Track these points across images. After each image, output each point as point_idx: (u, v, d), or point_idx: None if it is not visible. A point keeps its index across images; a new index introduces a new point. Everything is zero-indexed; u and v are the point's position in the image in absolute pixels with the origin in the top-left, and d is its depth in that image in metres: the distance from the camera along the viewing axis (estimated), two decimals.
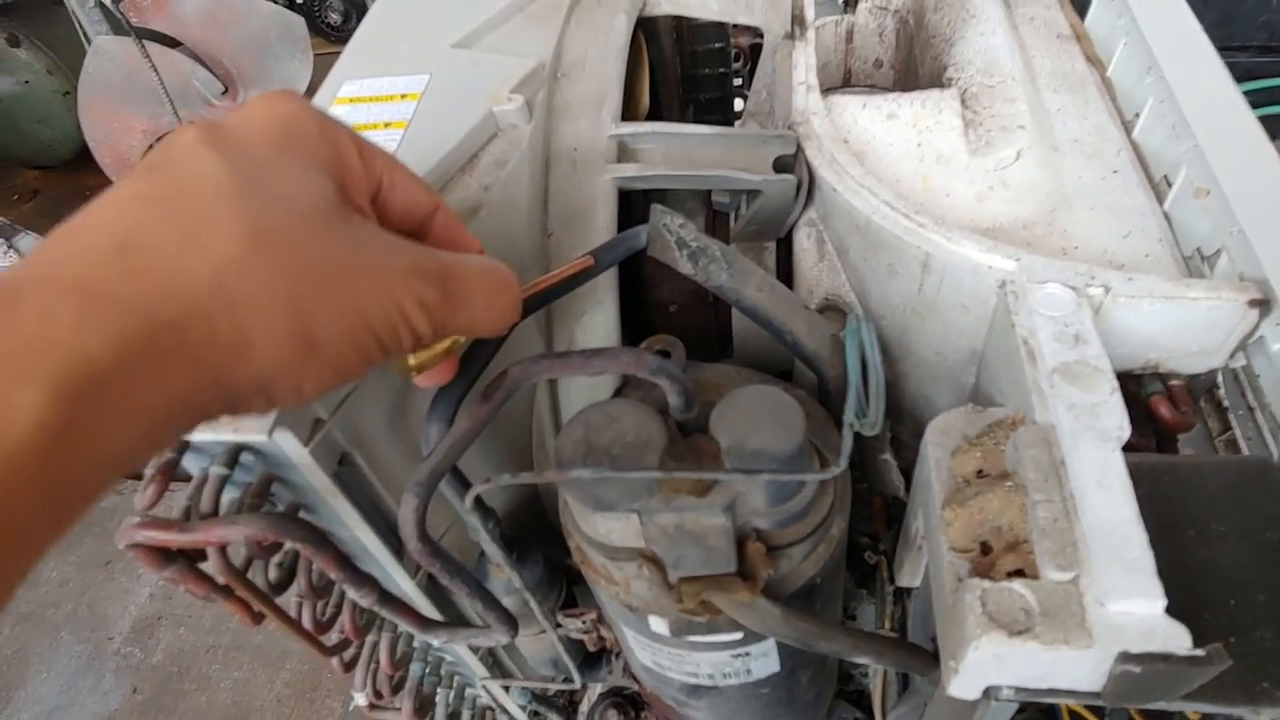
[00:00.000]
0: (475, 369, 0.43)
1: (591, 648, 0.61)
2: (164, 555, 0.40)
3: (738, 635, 0.45)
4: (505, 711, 0.69)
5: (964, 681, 0.38)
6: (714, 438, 0.40)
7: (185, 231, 0.27)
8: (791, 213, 0.61)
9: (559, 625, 0.60)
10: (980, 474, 0.43)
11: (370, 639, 0.58)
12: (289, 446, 0.39)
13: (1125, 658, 0.34)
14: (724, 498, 0.40)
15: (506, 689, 0.65)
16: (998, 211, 0.58)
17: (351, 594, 0.44)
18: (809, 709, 0.64)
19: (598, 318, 0.56)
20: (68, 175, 3.58)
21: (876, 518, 0.63)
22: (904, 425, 0.64)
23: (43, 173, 3.58)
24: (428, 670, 0.63)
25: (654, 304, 0.72)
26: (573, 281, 0.47)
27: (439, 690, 0.67)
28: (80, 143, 3.22)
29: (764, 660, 0.49)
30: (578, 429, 0.41)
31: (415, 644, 0.62)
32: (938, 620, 0.42)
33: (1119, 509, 0.37)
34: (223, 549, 0.40)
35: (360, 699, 0.57)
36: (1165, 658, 0.34)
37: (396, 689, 0.61)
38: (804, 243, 0.61)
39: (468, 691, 0.72)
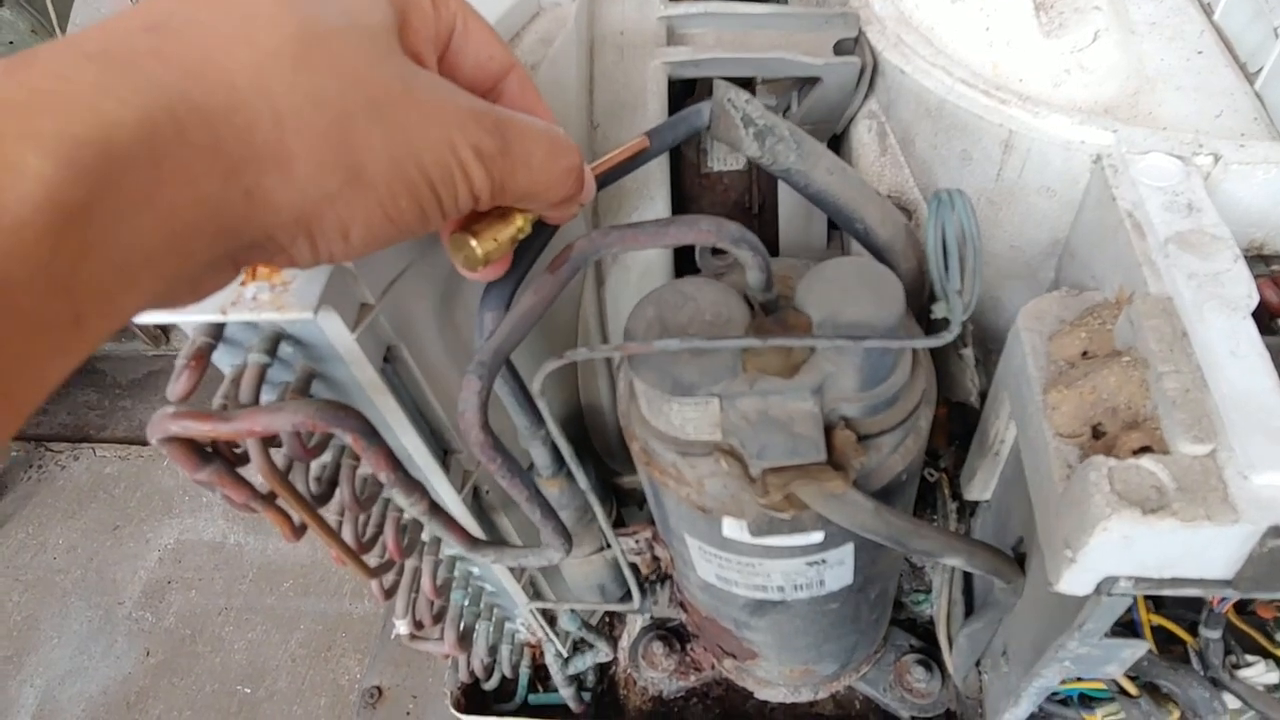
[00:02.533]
0: (528, 260, 0.39)
1: (645, 570, 0.58)
2: (201, 454, 0.36)
3: (818, 538, 0.42)
4: (550, 641, 0.66)
5: (1079, 573, 0.35)
6: (803, 311, 0.37)
7: (229, 19, 0.24)
8: (850, 104, 0.57)
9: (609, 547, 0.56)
10: (1085, 356, 0.40)
11: (410, 564, 0.54)
12: (333, 331, 0.36)
13: (1276, 532, 0.31)
14: (813, 379, 0.36)
15: (552, 618, 0.62)
16: (1075, 96, 0.54)
17: (401, 500, 0.41)
18: (869, 631, 0.61)
19: (648, 215, 0.52)
20: None
21: (938, 430, 0.60)
22: (969, 330, 0.60)
23: None
24: (468, 601, 0.60)
25: None
26: (629, 165, 0.43)
27: (479, 623, 0.64)
28: None
29: (839, 570, 0.46)
30: (649, 308, 0.38)
31: (455, 573, 0.59)
32: (1042, 514, 0.39)
33: (1257, 377, 0.34)
34: (266, 449, 0.37)
35: (402, 627, 0.54)
36: None
37: (437, 618, 0.58)
38: (864, 136, 0.57)
39: (507, 626, 0.69)
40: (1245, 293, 0.36)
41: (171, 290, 0.25)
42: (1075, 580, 0.36)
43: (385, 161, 0.27)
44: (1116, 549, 0.33)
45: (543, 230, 0.39)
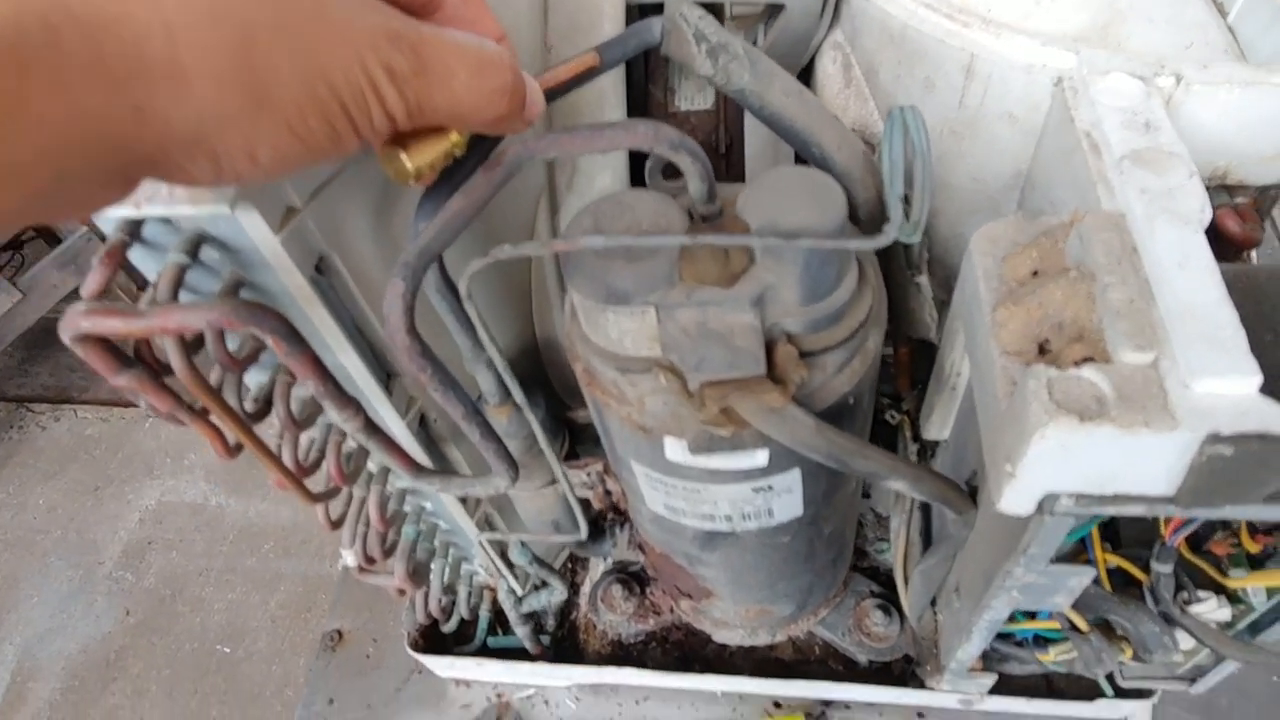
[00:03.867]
0: (465, 172, 0.38)
1: (597, 504, 0.57)
2: (120, 357, 0.35)
3: (762, 461, 0.41)
4: (503, 576, 0.65)
5: (1019, 489, 0.34)
6: (742, 219, 0.35)
7: None
8: (815, 34, 0.55)
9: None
10: (1036, 275, 0.39)
11: (359, 494, 0.54)
12: (255, 231, 0.34)
13: (1215, 439, 0.30)
14: (752, 289, 0.35)
15: (503, 549, 0.62)
16: (1043, 28, 0.52)
17: (334, 415, 0.40)
18: (825, 573, 0.61)
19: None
20: None
21: (900, 372, 0.59)
22: (933, 275, 0.59)
23: None
24: (421, 536, 0.59)
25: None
26: (575, 81, 0.41)
27: (435, 561, 0.63)
28: None
29: (787, 499, 0.45)
30: (586, 218, 0.37)
31: (407, 507, 0.58)
32: (988, 435, 0.38)
33: (1205, 290, 0.33)
34: (188, 354, 0.36)
35: (349, 558, 0.54)
36: (1261, 438, 0.30)
37: (389, 553, 0.57)
38: (828, 68, 0.55)
39: (464, 567, 0.68)
40: (1198, 207, 0.35)
41: (48, 205, 0.24)
42: (1017, 498, 0.35)
43: (292, 82, 0.26)
44: (1055, 460, 0.32)
45: (484, 143, 0.37)
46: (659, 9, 0.58)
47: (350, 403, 0.40)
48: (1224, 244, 0.45)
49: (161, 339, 0.35)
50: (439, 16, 0.34)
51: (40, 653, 1.91)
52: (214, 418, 0.40)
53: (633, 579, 0.69)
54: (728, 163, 0.66)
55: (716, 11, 0.61)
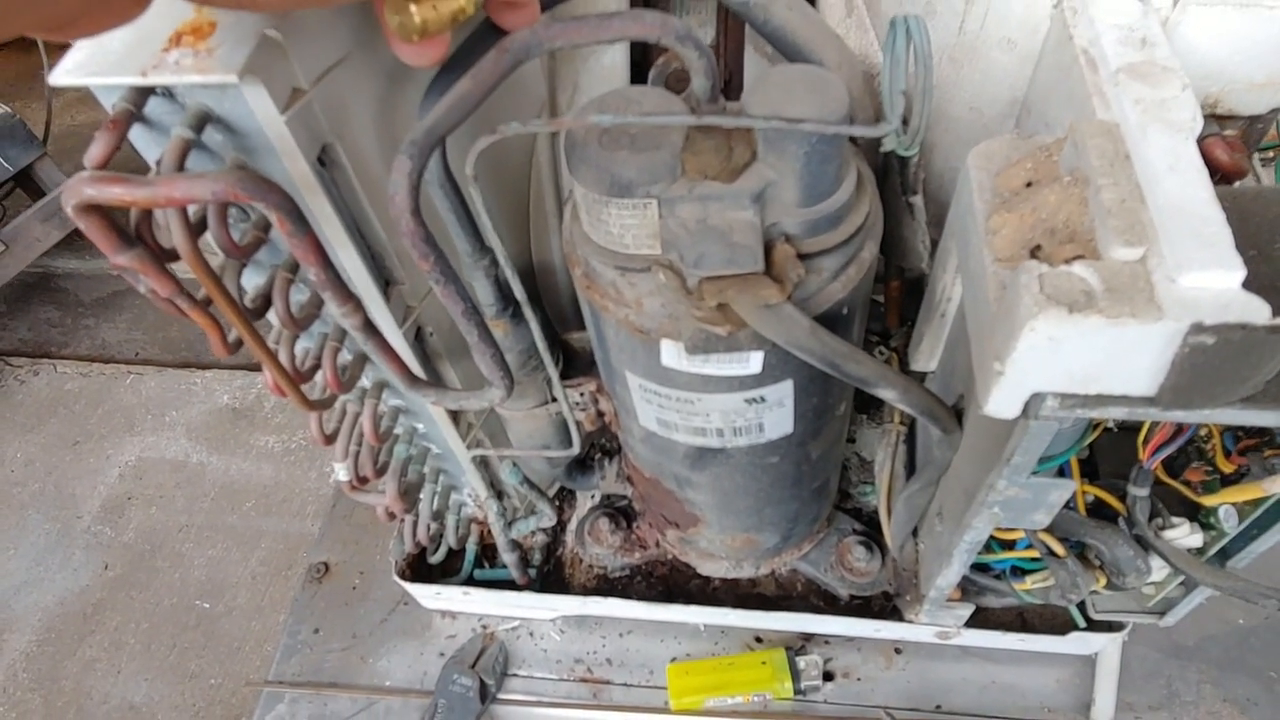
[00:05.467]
0: (476, 57, 0.38)
1: (589, 426, 0.57)
2: (122, 235, 0.35)
3: (755, 367, 0.42)
4: (492, 498, 0.65)
5: (1007, 389, 0.35)
6: (747, 114, 0.36)
7: None
8: None
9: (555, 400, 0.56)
10: (1030, 185, 0.39)
11: (352, 409, 0.54)
12: (261, 108, 0.34)
13: (1198, 329, 0.31)
14: (754, 184, 0.36)
15: (493, 473, 0.62)
16: None
17: (333, 308, 0.40)
18: (810, 503, 0.62)
19: (604, 60, 0.50)
20: (17, 55, 3.38)
21: (890, 308, 0.60)
22: (927, 213, 0.60)
23: None
24: (412, 459, 0.60)
25: None
26: None
27: (425, 486, 0.63)
28: None
29: (779, 413, 0.46)
30: (590, 110, 0.37)
31: (399, 428, 0.59)
32: (977, 342, 0.39)
33: (1194, 189, 0.34)
34: (191, 231, 0.36)
35: (341, 472, 0.54)
36: (1242, 327, 0.31)
37: (381, 472, 0.57)
38: None
39: (454, 496, 0.69)
40: (1189, 117, 0.36)
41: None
42: (1003, 399, 0.36)
43: None
44: (1043, 355, 0.33)
45: (492, 34, 0.37)
46: None
47: (350, 298, 0.40)
48: (1212, 173, 0.46)
49: (166, 215, 0.35)
50: None
51: (16, 604, 1.90)
52: (214, 309, 0.41)
53: (620, 513, 0.70)
54: (726, 96, 0.66)
55: None
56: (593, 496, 0.74)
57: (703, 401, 0.45)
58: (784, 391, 0.44)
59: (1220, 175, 0.46)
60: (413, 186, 0.34)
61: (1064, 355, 0.33)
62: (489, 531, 0.73)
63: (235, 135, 0.36)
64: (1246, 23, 0.41)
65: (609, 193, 0.36)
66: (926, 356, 0.55)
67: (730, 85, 0.65)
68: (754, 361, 0.41)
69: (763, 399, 0.44)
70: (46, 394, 2.23)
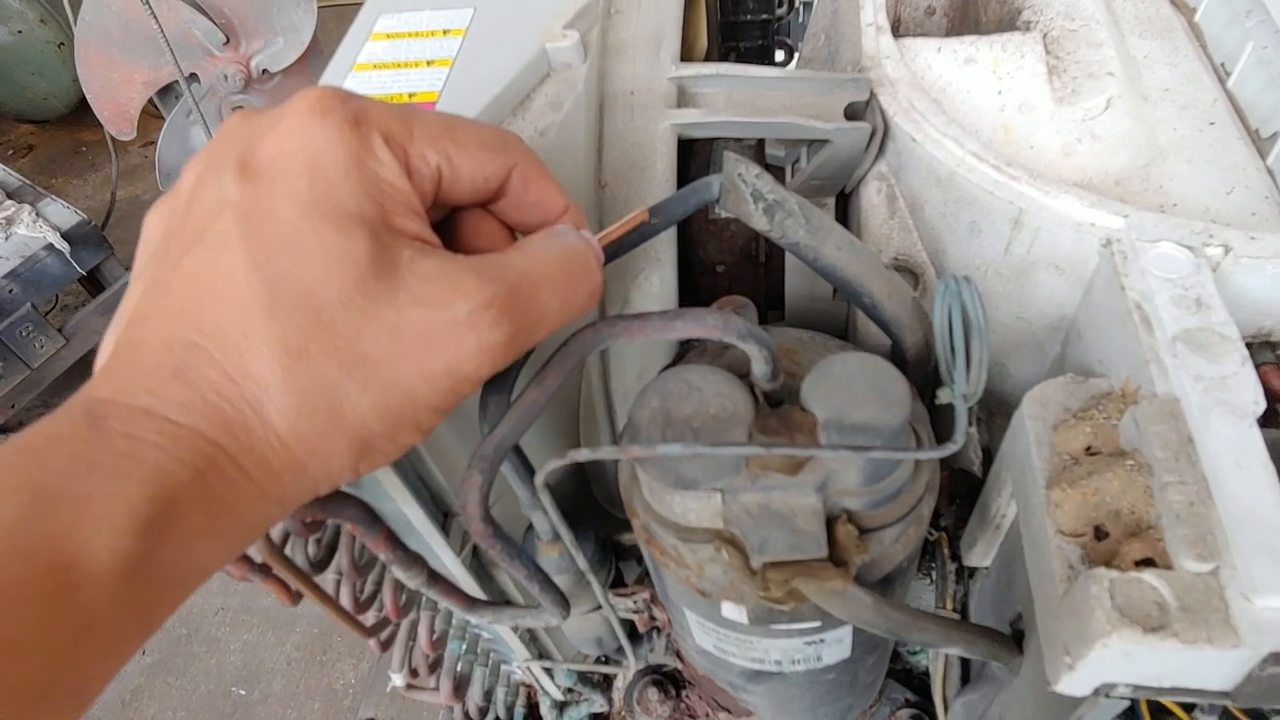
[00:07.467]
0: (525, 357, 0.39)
1: (642, 629, 0.58)
2: None
3: (817, 623, 0.42)
4: (544, 690, 0.66)
5: (1078, 678, 0.35)
6: (808, 409, 0.36)
7: (227, 356, 0.27)
8: (860, 165, 0.56)
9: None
10: (1090, 451, 0.39)
11: (408, 618, 0.54)
12: None
13: (1274, 659, 0.31)
14: (817, 476, 0.36)
15: (550, 672, 0.63)
16: (1086, 165, 0.54)
17: (400, 575, 0.41)
18: (865, 692, 0.61)
19: (654, 278, 0.52)
20: (62, 130, 3.49)
21: (940, 492, 0.60)
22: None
23: (37, 127, 3.49)
24: (465, 648, 0.60)
25: (700, 265, 0.68)
26: (632, 238, 0.43)
27: (475, 669, 0.64)
28: (75, 96, 3.13)
29: (837, 647, 0.46)
30: (653, 399, 0.38)
31: (453, 622, 0.59)
32: (1042, 609, 0.38)
33: (1262, 492, 0.34)
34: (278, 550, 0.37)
35: (398, 680, 0.54)
36: None
37: (433, 668, 0.58)
38: (873, 198, 0.56)
39: (503, 669, 0.69)
40: (1252, 399, 0.36)
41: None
42: (1074, 684, 0.36)
43: (382, 427, 0.29)
44: (1117, 661, 0.33)
45: None
46: (709, 142, 0.60)
47: (416, 561, 0.41)
48: (1270, 400, 0.46)
49: None
50: (504, 204, 0.35)
51: None
52: (278, 571, 0.42)
53: (668, 680, 0.70)
54: (767, 270, 0.67)
55: (760, 142, 0.62)
56: (642, 661, 0.74)
57: (762, 643, 0.45)
58: (843, 632, 0.45)
59: (1276, 401, 0.46)
60: (483, 497, 0.35)
61: (1136, 664, 0.33)
62: (535, 693, 0.73)
63: None
64: None
65: (674, 486, 0.36)
66: (980, 557, 0.54)
67: (770, 260, 0.66)
68: (814, 622, 0.41)
69: (822, 640, 0.45)
70: None
